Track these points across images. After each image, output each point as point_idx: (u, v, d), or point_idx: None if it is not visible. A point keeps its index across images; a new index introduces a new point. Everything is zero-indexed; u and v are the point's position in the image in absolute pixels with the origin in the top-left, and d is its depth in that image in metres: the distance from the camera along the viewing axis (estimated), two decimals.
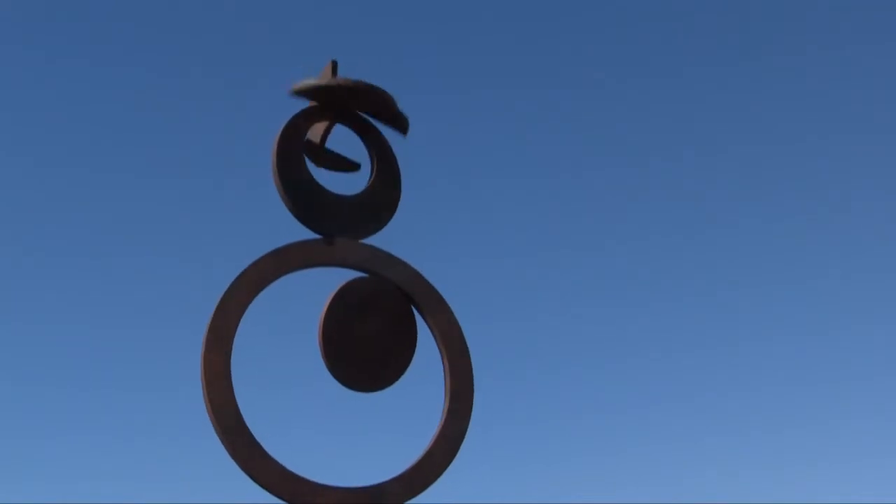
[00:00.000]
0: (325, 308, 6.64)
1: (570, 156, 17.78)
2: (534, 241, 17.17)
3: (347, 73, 6.87)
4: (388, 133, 7.09)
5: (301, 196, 6.71)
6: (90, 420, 15.32)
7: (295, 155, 6.76)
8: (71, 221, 16.74)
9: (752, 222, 17.05)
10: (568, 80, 17.94)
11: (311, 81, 6.79)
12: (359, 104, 6.90)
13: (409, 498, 6.36)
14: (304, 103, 6.94)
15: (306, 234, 6.71)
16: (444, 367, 6.70)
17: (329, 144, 7.03)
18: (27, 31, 17.19)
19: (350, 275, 6.76)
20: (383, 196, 6.93)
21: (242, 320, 6.38)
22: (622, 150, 17.72)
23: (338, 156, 7.02)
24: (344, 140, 7.05)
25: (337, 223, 6.74)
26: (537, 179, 17.63)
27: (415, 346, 6.75)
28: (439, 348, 6.73)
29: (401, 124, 7.00)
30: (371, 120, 7.06)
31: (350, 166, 7.04)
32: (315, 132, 7.00)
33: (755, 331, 16.41)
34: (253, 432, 6.14)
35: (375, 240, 6.84)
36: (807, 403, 15.72)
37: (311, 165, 6.94)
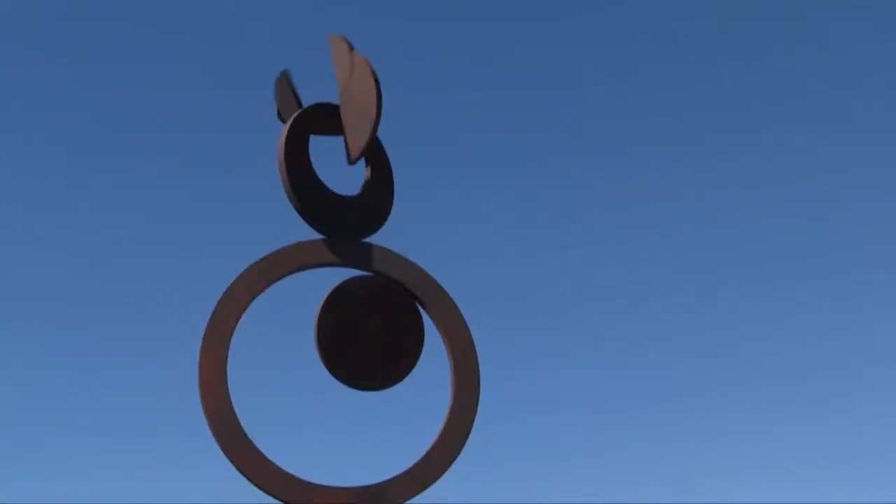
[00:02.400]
0: (320, 306, 6.62)
1: (570, 156, 17.78)
2: (534, 241, 17.16)
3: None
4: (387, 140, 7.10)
5: (306, 193, 6.69)
6: (87, 420, 15.32)
7: (301, 152, 6.75)
8: (71, 221, 16.73)
9: (752, 221, 17.06)
10: (567, 81, 17.92)
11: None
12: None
13: (410, 497, 6.34)
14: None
15: (307, 233, 6.69)
16: (450, 365, 6.67)
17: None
18: (27, 32, 17.17)
19: (351, 274, 6.74)
20: (380, 198, 6.92)
21: (240, 321, 6.37)
22: (621, 149, 17.71)
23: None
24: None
25: (339, 222, 6.72)
26: (535, 178, 17.63)
27: (422, 344, 6.73)
28: (445, 346, 6.71)
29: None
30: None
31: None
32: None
33: (755, 330, 16.41)
34: (250, 434, 6.13)
35: (374, 240, 6.83)
36: (806, 403, 15.73)
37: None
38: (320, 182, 6.78)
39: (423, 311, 6.79)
